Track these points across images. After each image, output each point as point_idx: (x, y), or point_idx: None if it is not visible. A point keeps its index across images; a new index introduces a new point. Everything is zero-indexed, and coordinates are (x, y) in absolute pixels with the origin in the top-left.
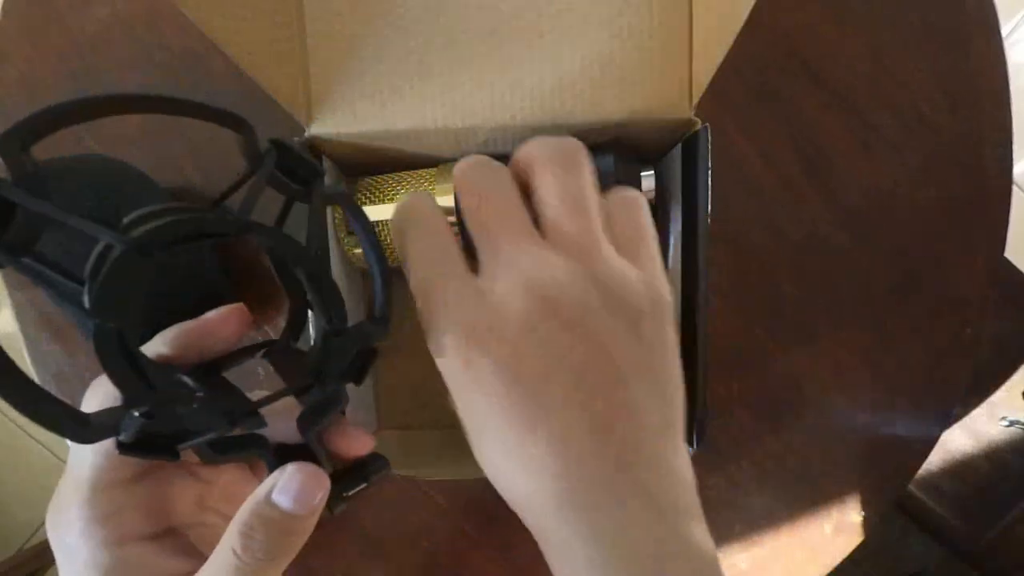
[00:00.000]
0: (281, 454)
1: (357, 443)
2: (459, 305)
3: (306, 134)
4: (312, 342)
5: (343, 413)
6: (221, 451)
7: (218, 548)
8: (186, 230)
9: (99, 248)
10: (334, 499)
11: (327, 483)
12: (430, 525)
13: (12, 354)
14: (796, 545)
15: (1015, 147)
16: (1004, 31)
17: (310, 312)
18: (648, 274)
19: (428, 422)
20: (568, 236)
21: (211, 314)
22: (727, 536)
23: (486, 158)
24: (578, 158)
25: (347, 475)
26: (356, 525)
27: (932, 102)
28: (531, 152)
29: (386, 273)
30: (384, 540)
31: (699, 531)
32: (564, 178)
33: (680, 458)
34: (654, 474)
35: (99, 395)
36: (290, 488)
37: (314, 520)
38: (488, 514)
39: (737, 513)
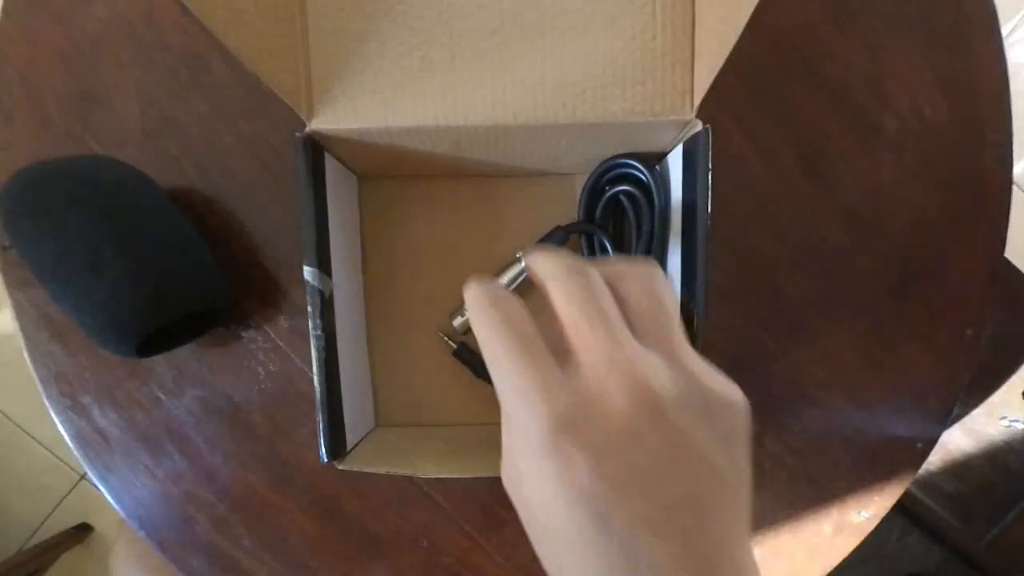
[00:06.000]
0: None
1: None
2: (550, 392)
3: (307, 129)
4: None
5: None
6: None
7: None
8: None
9: None
10: None
11: None
12: (430, 525)
13: (12, 354)
14: (796, 545)
15: (1015, 147)
16: (1004, 31)
17: None
18: (722, 376)
19: (428, 421)
20: (658, 340)
21: None
22: None
23: (570, 257)
24: (658, 273)
25: None
26: (356, 525)
27: (932, 102)
28: (615, 264)
29: None
30: (384, 540)
31: None
32: (649, 287)
33: (749, 558)
34: (727, 570)
35: None
36: None
37: None
38: (488, 514)
39: None
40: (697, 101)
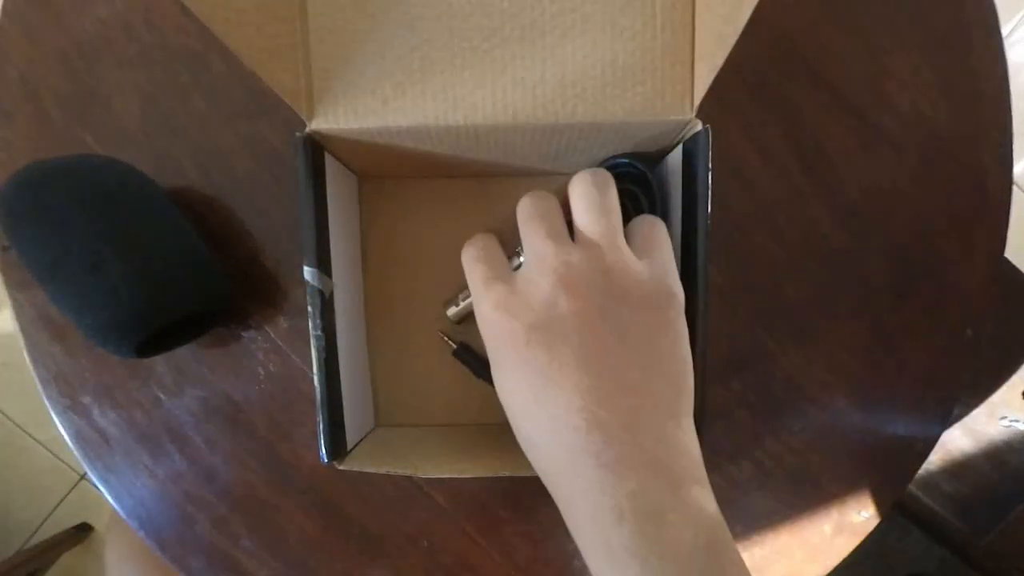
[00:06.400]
0: None
1: None
2: (497, 284)
3: (307, 129)
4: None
5: None
6: None
7: None
8: None
9: None
10: None
11: None
12: (430, 525)
13: (12, 354)
14: (796, 545)
15: (1015, 147)
16: (1004, 31)
17: None
18: (659, 271)
19: (428, 421)
20: (590, 237)
21: None
22: None
23: (543, 191)
24: (606, 181)
25: None
26: (356, 525)
27: (932, 102)
28: (573, 179)
29: None
30: (384, 540)
31: (701, 494)
32: (593, 193)
33: (687, 435)
34: (660, 445)
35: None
36: None
37: None
38: (488, 514)
39: (737, 513)
40: (697, 101)
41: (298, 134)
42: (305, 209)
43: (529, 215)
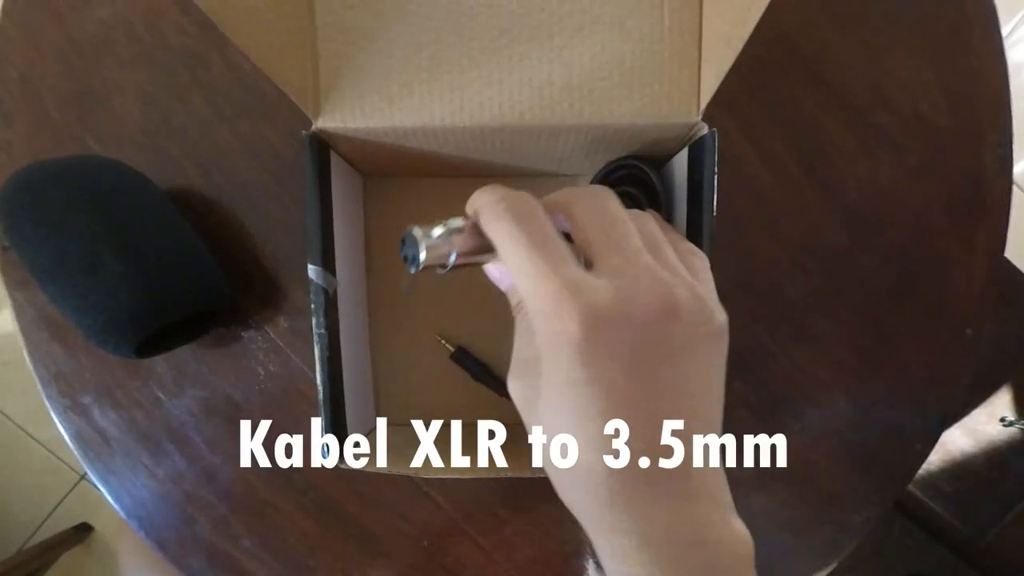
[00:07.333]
0: None
1: None
2: (583, 291)
3: (313, 127)
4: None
5: None
6: None
7: None
8: None
9: None
10: None
11: None
12: (430, 525)
13: (12, 354)
14: (796, 545)
15: (1015, 147)
16: (1004, 31)
17: None
18: (714, 304)
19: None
20: (673, 264)
21: None
22: None
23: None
24: (657, 217)
25: None
26: (356, 525)
27: (932, 102)
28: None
29: None
30: (384, 540)
31: (733, 518)
32: (652, 224)
33: (719, 460)
34: (701, 472)
35: None
36: None
37: None
38: (488, 514)
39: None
40: (703, 104)
41: (304, 132)
42: (311, 208)
43: (613, 219)
